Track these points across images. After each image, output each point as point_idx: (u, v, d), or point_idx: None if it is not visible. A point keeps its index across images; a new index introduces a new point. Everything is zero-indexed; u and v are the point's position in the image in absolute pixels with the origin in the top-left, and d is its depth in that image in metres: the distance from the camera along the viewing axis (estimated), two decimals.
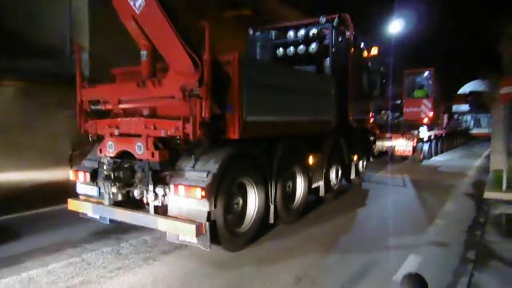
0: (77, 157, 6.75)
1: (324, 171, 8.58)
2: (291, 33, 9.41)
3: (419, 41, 26.71)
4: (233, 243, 5.64)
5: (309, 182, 7.77)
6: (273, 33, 9.74)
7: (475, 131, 28.34)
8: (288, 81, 6.92)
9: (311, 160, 7.85)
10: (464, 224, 7.14)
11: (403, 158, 16.90)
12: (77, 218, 6.50)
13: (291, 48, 9.27)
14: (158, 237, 6.19)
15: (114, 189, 5.90)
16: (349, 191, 10.27)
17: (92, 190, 6.30)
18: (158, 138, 5.45)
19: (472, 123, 28.47)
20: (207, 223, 4.99)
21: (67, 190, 6.70)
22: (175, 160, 5.52)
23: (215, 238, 5.20)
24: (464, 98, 24.77)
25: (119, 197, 6.04)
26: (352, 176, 10.55)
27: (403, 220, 7.59)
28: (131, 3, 5.34)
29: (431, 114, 17.28)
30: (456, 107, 24.14)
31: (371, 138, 12.40)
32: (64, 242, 6.02)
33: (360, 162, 11.22)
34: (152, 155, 5.35)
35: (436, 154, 19.10)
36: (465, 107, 24.44)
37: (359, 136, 10.87)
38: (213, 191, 5.04)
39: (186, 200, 5.10)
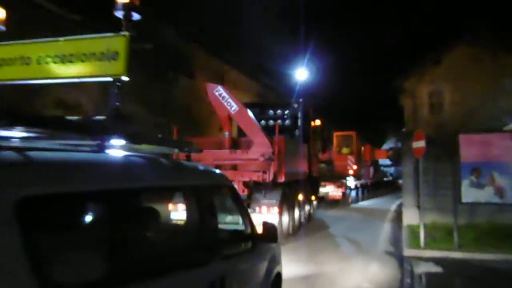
0: None
1: (304, 204, 13.31)
2: (271, 111, 14.06)
3: (341, 100, 31.90)
4: (281, 239, 9.89)
5: (299, 210, 12.38)
6: (257, 109, 14.38)
7: (400, 181, 35.00)
8: (295, 149, 11.74)
9: (300, 197, 12.54)
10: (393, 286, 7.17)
11: (335, 201, 22.16)
12: None
13: (271, 121, 13.97)
14: None
15: None
16: (311, 220, 15.04)
17: None
18: (244, 182, 9.73)
19: (395, 175, 34.76)
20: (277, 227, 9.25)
21: None
22: (251, 194, 9.81)
23: None
24: (385, 153, 30.69)
25: None
26: (311, 210, 15.36)
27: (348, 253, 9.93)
28: (228, 108, 10.05)
29: (355, 167, 23.18)
30: (382, 161, 30.25)
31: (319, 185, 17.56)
32: None
33: (315, 202, 16.11)
34: (243, 191, 9.66)
35: (363, 199, 24.82)
36: (388, 161, 30.18)
37: (314, 183, 15.82)
38: (280, 209, 9.42)
39: (264, 215, 9.41)
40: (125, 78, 3.48)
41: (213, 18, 21.30)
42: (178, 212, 3.33)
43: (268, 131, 11.95)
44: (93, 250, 2.14)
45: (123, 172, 2.45)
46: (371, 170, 28.03)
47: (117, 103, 3.55)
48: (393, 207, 21.60)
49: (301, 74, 21.01)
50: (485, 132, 10.12)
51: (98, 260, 2.11)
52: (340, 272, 7.84)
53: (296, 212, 12.00)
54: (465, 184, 9.49)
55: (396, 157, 30.30)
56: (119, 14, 3.89)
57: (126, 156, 2.66)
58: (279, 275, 4.59)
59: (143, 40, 14.19)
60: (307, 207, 14.18)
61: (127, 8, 3.82)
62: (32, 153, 1.93)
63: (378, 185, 28.86)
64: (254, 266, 3.92)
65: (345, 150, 23.67)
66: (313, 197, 15.51)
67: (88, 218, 2.32)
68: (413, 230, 10.88)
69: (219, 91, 10.49)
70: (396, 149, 31.26)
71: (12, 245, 1.59)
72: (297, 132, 13.79)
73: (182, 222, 3.32)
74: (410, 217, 12.40)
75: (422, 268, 7.77)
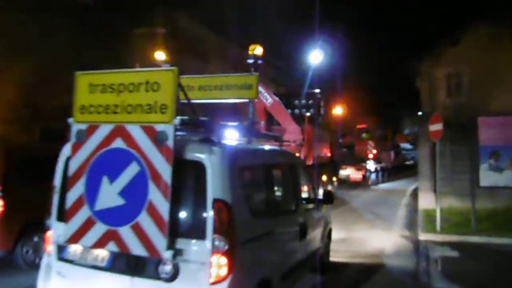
0: None
1: (327, 184, 14.31)
2: (296, 101, 15.09)
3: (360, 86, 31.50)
4: None
5: (323, 187, 13.30)
6: (284, 99, 15.28)
7: None
8: (320, 136, 12.80)
9: (324, 177, 13.66)
10: (409, 269, 6.96)
11: (356, 183, 22.84)
12: None
13: (296, 110, 14.98)
14: None
15: None
16: (334, 198, 15.77)
17: None
18: None
19: (416, 159, 34.96)
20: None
21: None
22: None
23: None
24: (406, 138, 31.25)
25: None
26: (333, 190, 16.28)
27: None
28: (265, 101, 11.18)
29: (374, 151, 23.91)
30: (403, 145, 30.66)
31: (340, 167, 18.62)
32: None
33: (335, 183, 17.04)
34: None
35: (383, 182, 25.14)
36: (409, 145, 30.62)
37: (335, 166, 16.86)
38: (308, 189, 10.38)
39: None
40: (256, 100, 5.68)
41: (226, 3, 21.40)
42: (281, 179, 4.85)
43: (295, 119, 13.17)
44: (261, 194, 4.19)
45: (265, 155, 4.60)
46: (392, 154, 28.53)
47: (252, 115, 5.85)
48: (410, 190, 21.87)
49: (315, 58, 19.10)
50: (505, 115, 9.71)
51: (264, 200, 4.20)
52: (367, 238, 9.11)
53: (321, 191, 12.89)
54: (483, 167, 9.49)
55: (416, 142, 30.38)
56: (250, 61, 6.05)
57: (262, 146, 4.74)
58: (331, 230, 6.52)
59: (158, 25, 15.18)
60: (329, 187, 15.14)
61: (256, 58, 6.05)
62: (239, 144, 4.14)
63: (398, 168, 28.73)
64: (318, 219, 5.69)
65: (365, 136, 24.45)
66: (334, 178, 16.62)
67: (259, 178, 4.25)
68: (429, 214, 10.53)
69: None
70: (416, 134, 31.28)
71: (240, 186, 3.41)
72: (320, 120, 14.90)
73: (285, 185, 4.86)
74: (426, 201, 12.07)
75: (438, 252, 7.58)
